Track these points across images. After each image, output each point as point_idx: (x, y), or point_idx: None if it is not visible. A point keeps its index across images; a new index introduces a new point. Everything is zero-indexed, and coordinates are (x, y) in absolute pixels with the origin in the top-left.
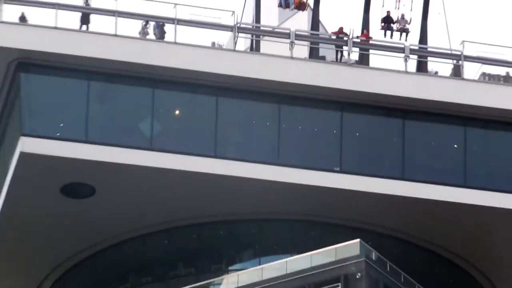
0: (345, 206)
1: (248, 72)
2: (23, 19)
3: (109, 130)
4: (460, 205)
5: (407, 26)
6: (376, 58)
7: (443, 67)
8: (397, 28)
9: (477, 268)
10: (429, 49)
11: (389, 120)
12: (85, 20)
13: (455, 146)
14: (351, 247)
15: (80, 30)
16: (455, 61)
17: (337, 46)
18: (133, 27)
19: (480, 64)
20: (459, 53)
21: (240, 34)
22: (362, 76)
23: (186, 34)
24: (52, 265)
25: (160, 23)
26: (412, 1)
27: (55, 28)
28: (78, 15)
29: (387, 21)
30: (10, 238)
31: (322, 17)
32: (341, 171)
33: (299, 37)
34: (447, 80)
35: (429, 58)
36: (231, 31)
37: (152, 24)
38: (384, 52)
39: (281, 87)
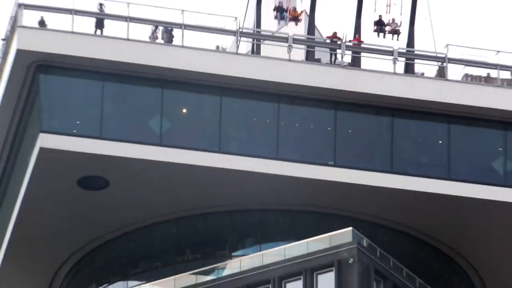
0: (339, 197)
1: (250, 74)
2: (42, 23)
3: (122, 127)
4: (444, 196)
5: (398, 27)
6: (367, 61)
7: (429, 68)
8: (389, 30)
9: (461, 254)
10: (415, 52)
11: (379, 118)
12: (99, 25)
13: (440, 142)
14: (344, 234)
15: (95, 35)
16: (439, 63)
17: (331, 49)
18: (143, 32)
19: (463, 65)
20: (443, 55)
21: (242, 38)
22: (354, 77)
23: (192, 38)
24: (70, 251)
25: (169, 28)
26: (401, 7)
27: (72, 32)
28: (93, 20)
29: (379, 24)
30: (31, 226)
31: (317, 23)
32: (335, 165)
33: (296, 41)
34: (432, 80)
35: (416, 61)
36: (234, 35)
37: (161, 29)
38: (374, 55)
39: (280, 88)
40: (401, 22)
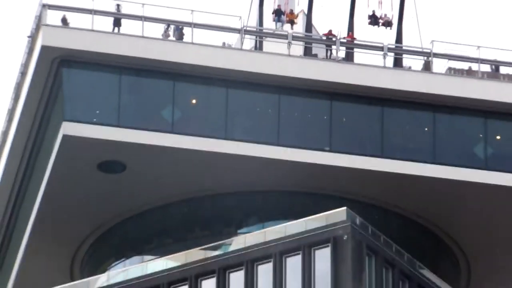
0: (334, 180)
1: (253, 68)
2: (64, 21)
3: (137, 116)
4: (430, 178)
5: (390, 19)
6: (359, 55)
7: (416, 62)
8: (382, 22)
9: (445, 232)
10: (404, 48)
11: (370, 108)
12: (117, 23)
13: (426, 129)
14: (339, 214)
15: (112, 32)
16: (425, 58)
17: (327, 45)
18: (157, 30)
19: (447, 60)
20: (429, 51)
21: (246, 36)
22: (348, 70)
23: (201, 36)
24: (90, 229)
25: (180, 27)
26: (391, 5)
27: (92, 30)
28: (111, 19)
29: (373, 17)
30: (55, 206)
31: (314, 22)
32: (331, 150)
33: (295, 38)
34: (419, 73)
35: (404, 55)
36: (239, 33)
37: (172, 27)
38: (366, 50)
39: (280, 80)
40: (392, 16)
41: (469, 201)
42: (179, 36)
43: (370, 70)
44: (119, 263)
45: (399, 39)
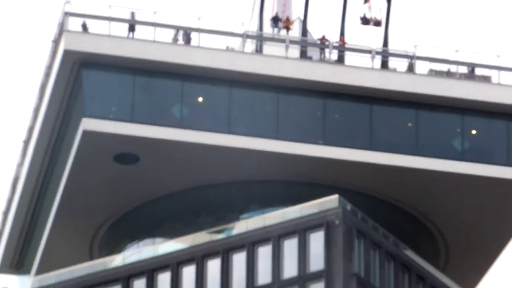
0: (327, 170)
1: (254, 69)
2: (84, 27)
3: (149, 112)
4: (414, 169)
5: (379, 20)
6: (350, 58)
7: (401, 64)
8: (372, 22)
9: (426, 216)
10: (390, 51)
11: (359, 105)
12: (131, 29)
13: (409, 124)
14: (331, 201)
15: (127, 37)
16: (409, 60)
17: (321, 49)
18: (167, 35)
19: (428, 62)
20: (412, 54)
21: (247, 40)
22: (339, 71)
23: (207, 40)
24: (107, 214)
25: (187, 32)
26: (380, 10)
27: (109, 35)
28: (126, 25)
29: (364, 19)
30: (76, 194)
31: (309, 27)
32: (324, 144)
33: (292, 42)
34: (403, 74)
35: (390, 58)
36: (241, 37)
37: (181, 32)
38: (356, 53)
39: (279, 80)
40: (381, 18)
41: (447, 189)
42: (187, 40)
43: (359, 71)
44: (133, 244)
45: (385, 42)
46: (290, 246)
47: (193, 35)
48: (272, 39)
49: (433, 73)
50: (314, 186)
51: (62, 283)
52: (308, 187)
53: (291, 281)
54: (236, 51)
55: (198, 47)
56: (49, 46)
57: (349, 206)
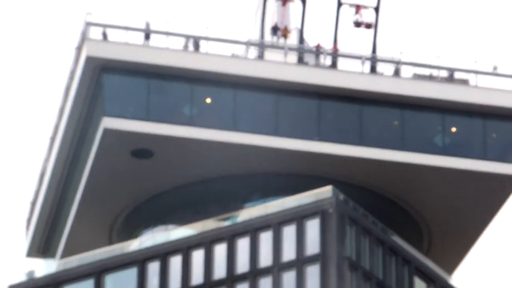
0: (322, 164)
1: (256, 73)
2: (104, 35)
3: (163, 112)
4: (400, 162)
5: (370, 23)
6: (342, 63)
7: (388, 69)
8: (364, 25)
9: (411, 205)
10: (378, 57)
11: (351, 105)
12: (146, 37)
13: (396, 123)
14: (326, 191)
15: (143, 45)
16: (395, 65)
17: (316, 55)
18: (178, 42)
19: (412, 67)
20: (398, 59)
21: (250, 47)
22: (333, 75)
23: (214, 47)
24: (124, 203)
25: (197, 40)
26: (369, 15)
27: (126, 43)
28: (142, 34)
29: (356, 22)
30: (97, 186)
31: (306, 36)
32: (319, 140)
33: (290, 49)
34: (390, 78)
35: (378, 63)
36: (245, 45)
37: (191, 40)
38: (347, 59)
39: (278, 83)
40: (372, 22)
41: (430, 181)
42: (196, 47)
43: (350, 75)
44: (148, 231)
45: (374, 49)
46: (289, 232)
47: (202, 42)
48: (272, 47)
49: (417, 76)
50: (310, 178)
51: (84, 265)
52: (305, 179)
53: (290, 263)
54: (240, 57)
55: (206, 53)
56: (72, 53)
57: (341, 196)
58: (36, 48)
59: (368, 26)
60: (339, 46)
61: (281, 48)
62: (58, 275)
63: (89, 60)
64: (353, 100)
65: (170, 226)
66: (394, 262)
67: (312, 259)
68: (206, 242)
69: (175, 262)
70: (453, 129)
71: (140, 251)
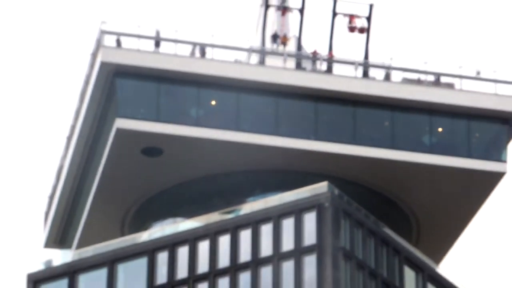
0: (318, 161)
1: (257, 77)
2: (118, 42)
3: (171, 113)
4: (390, 160)
5: (364, 27)
6: (337, 68)
7: (379, 73)
8: (358, 30)
9: (401, 199)
10: (370, 63)
11: (345, 107)
12: (157, 44)
13: (386, 123)
14: (322, 187)
15: (153, 51)
16: (386, 70)
17: (313, 61)
18: (186, 49)
19: (402, 71)
20: (388, 65)
21: (252, 53)
22: (328, 79)
23: (218, 53)
24: (135, 198)
25: (203, 47)
26: (362, 21)
27: (138, 50)
28: (152, 41)
29: (351, 27)
30: (110, 182)
31: (303, 43)
32: (315, 139)
33: (289, 55)
34: (381, 82)
35: (370, 68)
36: (247, 51)
37: (198, 47)
38: (342, 64)
39: (278, 87)
40: (365, 27)
41: (418, 177)
42: (202, 54)
43: (345, 79)
44: (157, 223)
45: (366, 55)
46: (288, 225)
47: (208, 49)
48: (273, 53)
49: (406, 80)
50: (307, 174)
51: (98, 255)
52: (303, 175)
53: (289, 253)
54: (243, 63)
55: (212, 59)
56: (88, 58)
57: (336, 191)
58: (55, 55)
59: (362, 30)
60: (334, 53)
61: (281, 54)
62: (74, 264)
63: (104, 65)
64: (347, 102)
65: (178, 219)
66: (385, 252)
67: (309, 250)
68: (211, 233)
69: (183, 252)
70: (440, 129)
71: (150, 242)
